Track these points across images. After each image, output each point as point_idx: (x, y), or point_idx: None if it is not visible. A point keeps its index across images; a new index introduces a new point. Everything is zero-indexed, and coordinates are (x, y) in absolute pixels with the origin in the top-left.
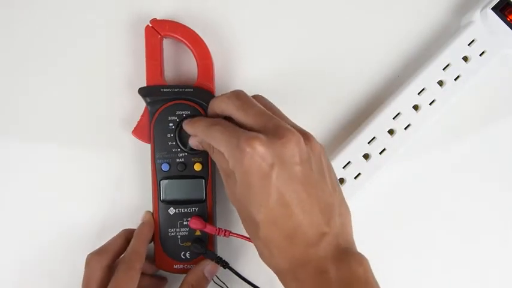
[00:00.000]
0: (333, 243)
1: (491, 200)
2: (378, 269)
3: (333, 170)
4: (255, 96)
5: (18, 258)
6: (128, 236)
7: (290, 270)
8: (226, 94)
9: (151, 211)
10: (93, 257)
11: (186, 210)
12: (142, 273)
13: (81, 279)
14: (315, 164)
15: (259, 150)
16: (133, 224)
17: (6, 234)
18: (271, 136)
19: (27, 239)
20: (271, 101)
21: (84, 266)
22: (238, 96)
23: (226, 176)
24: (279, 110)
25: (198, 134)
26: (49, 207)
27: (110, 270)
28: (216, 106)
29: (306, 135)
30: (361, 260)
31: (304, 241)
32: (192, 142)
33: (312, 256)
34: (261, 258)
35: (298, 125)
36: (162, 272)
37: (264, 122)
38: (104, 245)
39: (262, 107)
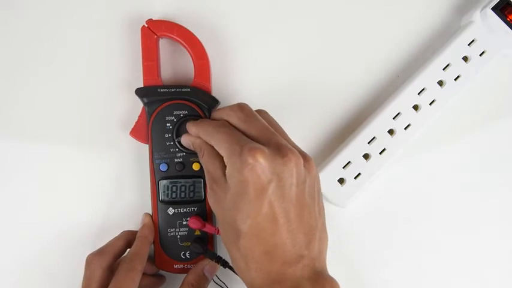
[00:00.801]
0: (309, 265)
1: (491, 199)
2: (378, 268)
3: (322, 195)
4: (259, 111)
5: (18, 258)
6: (128, 237)
7: (266, 286)
8: (230, 106)
9: (151, 211)
10: (93, 258)
11: (185, 210)
12: (142, 274)
13: (81, 279)
14: (309, 187)
15: (260, 163)
16: (133, 224)
17: (6, 234)
18: (273, 152)
19: (27, 239)
20: (271, 100)
21: (84, 266)
22: (243, 108)
23: (212, 180)
24: (281, 129)
25: (201, 134)
26: (48, 208)
27: (110, 270)
28: (219, 117)
29: (305, 158)
30: (333, 284)
31: (282, 259)
32: (185, 140)
33: (288, 275)
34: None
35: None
36: (162, 272)
37: (267, 137)
38: (105, 245)
39: (265, 122)
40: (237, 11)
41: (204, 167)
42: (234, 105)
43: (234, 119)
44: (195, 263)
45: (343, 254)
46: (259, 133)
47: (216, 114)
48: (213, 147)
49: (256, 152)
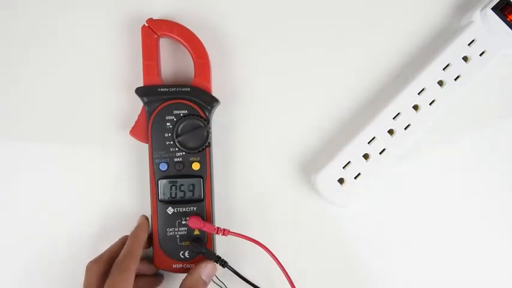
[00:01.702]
0: None
1: (491, 199)
2: (378, 269)
3: None
4: None
5: (18, 260)
6: (125, 241)
7: None
8: None
9: (150, 211)
10: (92, 264)
11: (184, 209)
12: (141, 274)
13: (81, 279)
14: None
15: None
16: (132, 223)
17: (6, 236)
18: None
19: (27, 239)
20: (271, 99)
21: (84, 271)
22: None
23: None
24: None
25: None
26: (48, 208)
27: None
28: None
29: None
30: None
31: None
32: None
33: None
34: None
35: None
36: (161, 271)
37: None
38: (103, 252)
39: None
40: (237, 11)
41: None
42: None
43: None
44: (194, 263)
45: (343, 254)
46: None
47: None
48: None
49: None
